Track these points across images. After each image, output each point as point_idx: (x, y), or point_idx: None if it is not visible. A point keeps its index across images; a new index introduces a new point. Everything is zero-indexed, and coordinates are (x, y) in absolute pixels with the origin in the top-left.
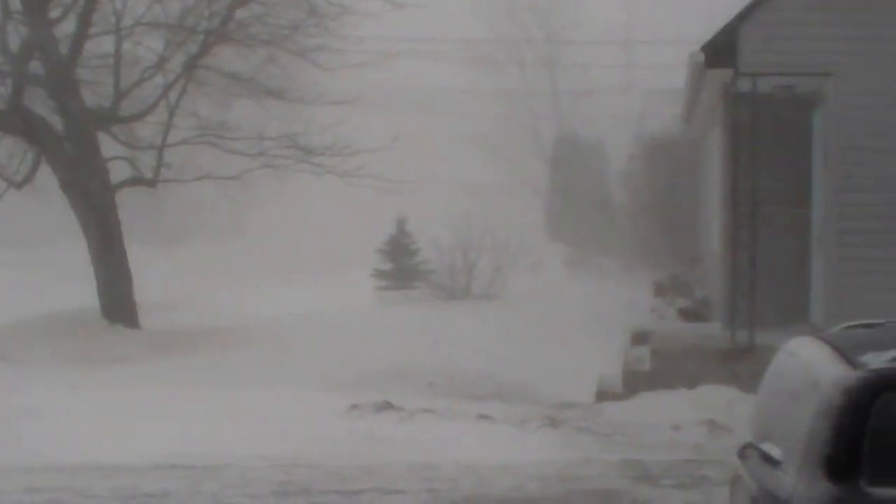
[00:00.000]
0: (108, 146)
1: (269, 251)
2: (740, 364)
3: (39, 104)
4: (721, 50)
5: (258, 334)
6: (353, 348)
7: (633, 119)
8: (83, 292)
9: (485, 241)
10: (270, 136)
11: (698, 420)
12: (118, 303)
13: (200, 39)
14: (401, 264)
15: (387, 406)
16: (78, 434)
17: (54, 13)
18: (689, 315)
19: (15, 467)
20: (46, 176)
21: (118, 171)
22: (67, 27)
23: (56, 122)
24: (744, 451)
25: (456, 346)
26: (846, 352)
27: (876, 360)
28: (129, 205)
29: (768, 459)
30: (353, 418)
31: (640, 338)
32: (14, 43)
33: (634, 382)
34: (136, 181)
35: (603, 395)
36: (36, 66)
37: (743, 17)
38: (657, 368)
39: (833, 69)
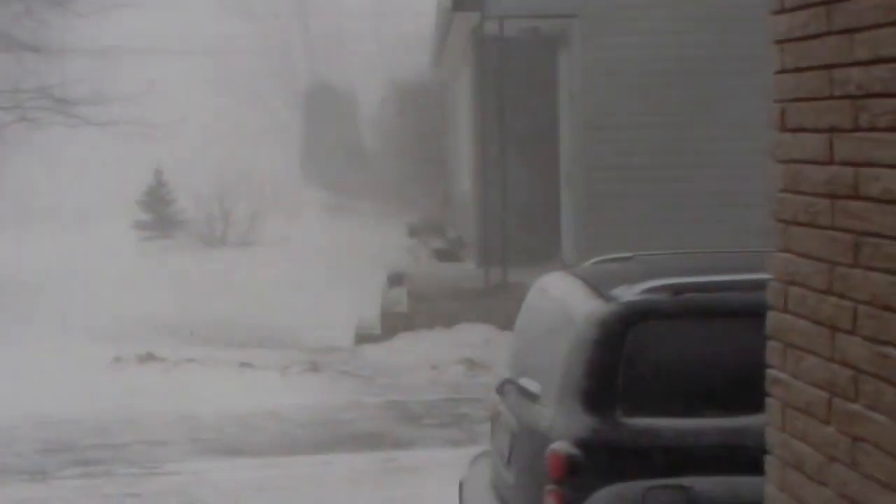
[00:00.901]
0: None
1: (27, 206)
2: (495, 302)
3: None
4: None
5: (16, 289)
6: (112, 300)
7: (383, 64)
8: None
9: (241, 189)
10: (26, 89)
11: (456, 359)
12: None
13: None
14: (159, 214)
15: (149, 357)
16: None
17: None
18: (444, 255)
19: None
20: None
21: None
22: None
23: None
24: (502, 387)
25: (215, 295)
26: (597, 286)
27: (627, 293)
28: None
29: (526, 394)
30: (115, 371)
31: (396, 279)
32: None
33: (392, 324)
34: None
35: (362, 338)
36: None
37: None
38: (414, 309)
39: (577, 11)
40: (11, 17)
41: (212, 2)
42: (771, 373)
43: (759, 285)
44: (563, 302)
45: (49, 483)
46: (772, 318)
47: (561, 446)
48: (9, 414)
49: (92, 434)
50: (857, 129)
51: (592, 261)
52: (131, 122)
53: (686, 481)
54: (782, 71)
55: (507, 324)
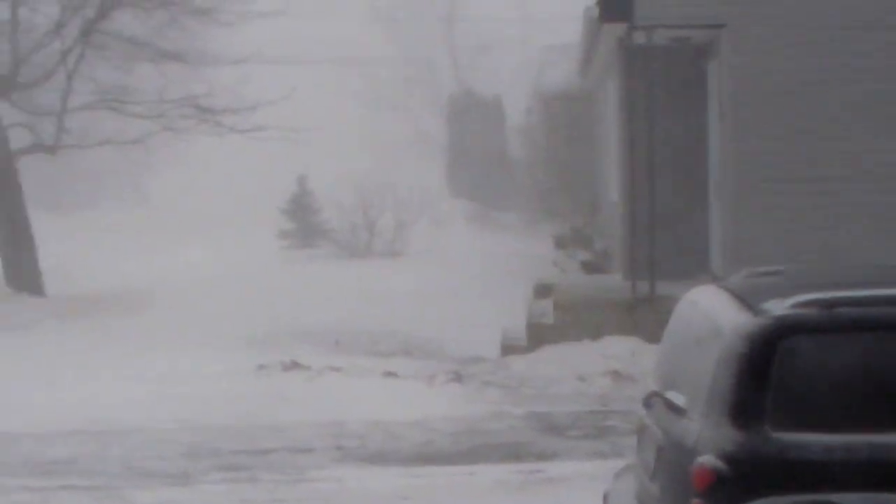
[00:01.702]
0: (7, 113)
1: (173, 215)
2: (642, 314)
3: None
4: (615, 3)
5: (164, 297)
6: (258, 308)
7: (530, 73)
8: None
9: (386, 199)
10: (171, 98)
11: (603, 371)
12: (22, 271)
13: (97, 3)
14: (303, 223)
15: (294, 365)
16: None
17: None
18: (591, 267)
19: None
20: None
21: (18, 139)
22: None
23: None
24: (649, 400)
25: (361, 304)
26: (747, 299)
27: (777, 307)
28: (31, 172)
29: (673, 408)
30: (261, 378)
31: (542, 291)
32: None
33: (538, 335)
34: (36, 148)
35: (508, 349)
36: None
37: None
38: (560, 321)
39: (727, 20)
40: (156, 28)
41: (356, 10)
42: None
43: None
44: (712, 315)
45: (193, 487)
46: None
47: (707, 460)
48: (155, 418)
49: (236, 440)
50: None
51: (742, 274)
52: (275, 129)
53: (833, 497)
54: None
55: (654, 336)
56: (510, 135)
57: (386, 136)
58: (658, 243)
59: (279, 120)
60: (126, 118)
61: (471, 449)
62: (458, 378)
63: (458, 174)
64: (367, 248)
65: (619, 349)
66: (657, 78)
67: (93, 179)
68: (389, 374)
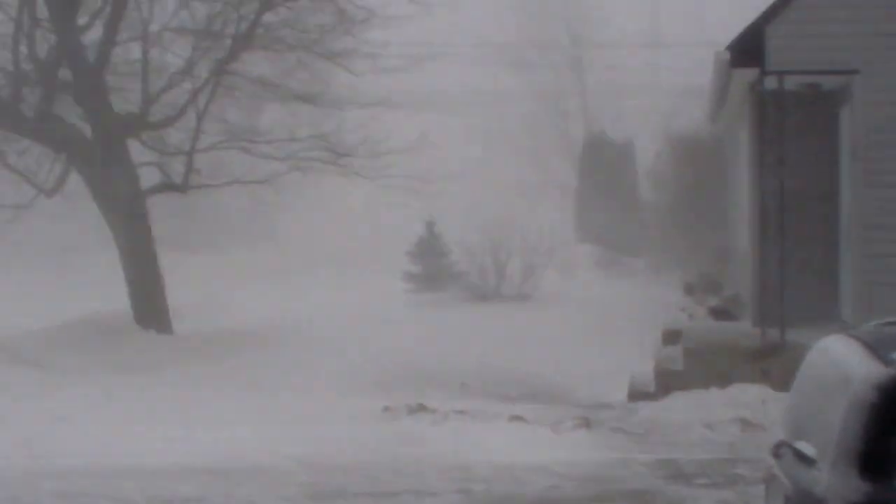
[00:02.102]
0: (138, 152)
1: (300, 255)
2: (772, 362)
3: (68, 111)
4: (746, 49)
5: (290, 337)
6: (384, 350)
7: (660, 118)
8: (115, 298)
9: (515, 242)
10: (300, 138)
11: (731, 419)
12: (150, 308)
13: (228, 45)
14: (430, 266)
15: (420, 408)
16: (111, 439)
17: (82, 20)
18: (720, 313)
19: (49, 473)
20: (77, 183)
21: (148, 177)
22: (95, 34)
23: (85, 128)
24: (778, 450)
25: (488, 348)
26: (879, 349)
27: None
28: (160, 210)
29: (802, 458)
30: (386, 420)
31: (671, 337)
32: (42, 50)
33: (667, 382)
34: (166, 187)
35: (635, 395)
36: (64, 74)
37: (768, 15)
38: (689, 367)
39: (859, 66)
40: (286, 70)
41: (487, 56)
42: None
43: None
44: (843, 365)
45: None
46: None
47: None
48: (280, 458)
49: (361, 481)
50: None
51: (874, 323)
52: (404, 175)
53: None
54: None
55: (783, 384)
56: (640, 179)
57: (515, 179)
58: (788, 290)
59: (408, 163)
60: (255, 157)
61: (597, 495)
62: (586, 424)
63: (587, 218)
64: (494, 291)
65: (748, 397)
66: (788, 123)
67: (221, 219)
68: (516, 418)
